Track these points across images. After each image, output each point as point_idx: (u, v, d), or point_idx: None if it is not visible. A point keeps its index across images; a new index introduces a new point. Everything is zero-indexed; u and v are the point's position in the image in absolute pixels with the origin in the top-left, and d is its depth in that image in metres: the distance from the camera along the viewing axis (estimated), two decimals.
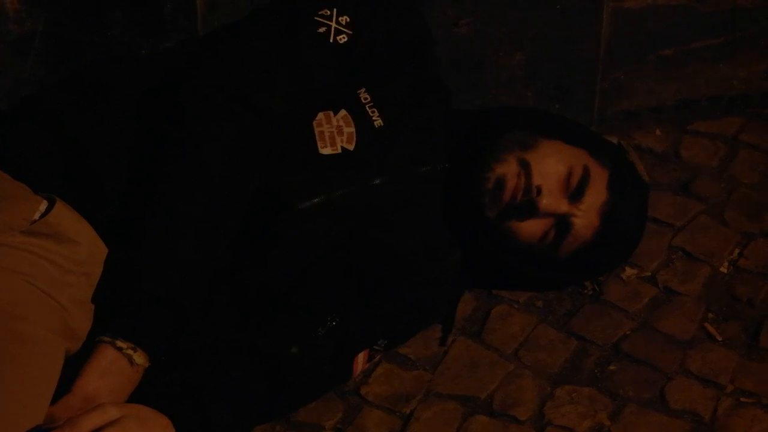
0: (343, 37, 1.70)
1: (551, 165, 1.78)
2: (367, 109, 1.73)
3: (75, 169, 1.59)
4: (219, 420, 1.56)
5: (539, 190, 1.75)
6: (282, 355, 1.66)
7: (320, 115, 1.71)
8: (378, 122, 1.73)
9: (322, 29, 1.69)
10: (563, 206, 1.78)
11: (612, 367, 1.96)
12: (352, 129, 1.72)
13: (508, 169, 1.77)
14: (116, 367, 1.48)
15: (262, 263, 1.66)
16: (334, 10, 1.70)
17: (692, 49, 2.45)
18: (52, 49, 1.90)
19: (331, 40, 1.69)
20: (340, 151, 1.70)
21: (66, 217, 1.52)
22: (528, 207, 1.76)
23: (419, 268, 1.83)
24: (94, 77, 1.75)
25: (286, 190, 1.66)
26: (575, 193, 1.78)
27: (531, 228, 1.79)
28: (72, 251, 1.51)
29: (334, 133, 1.71)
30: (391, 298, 1.81)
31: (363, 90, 1.75)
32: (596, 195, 1.80)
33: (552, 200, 1.76)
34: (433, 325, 1.98)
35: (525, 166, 1.77)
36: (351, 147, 1.71)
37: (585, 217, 1.79)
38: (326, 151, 1.70)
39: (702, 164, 2.41)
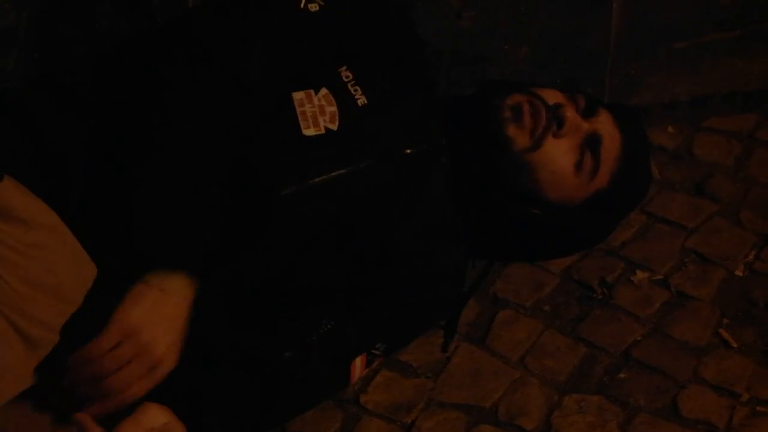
0: (315, 6, 1.68)
1: (555, 94, 1.77)
2: (350, 87, 1.71)
3: (42, 156, 1.56)
4: (210, 430, 1.53)
5: (558, 105, 1.75)
6: (275, 360, 1.62)
7: (301, 95, 1.69)
8: (361, 101, 1.71)
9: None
10: (585, 124, 1.77)
11: (622, 375, 1.93)
12: (335, 108, 1.69)
13: (519, 98, 1.75)
14: (150, 297, 1.48)
15: (251, 251, 1.64)
16: None
17: (706, 42, 2.44)
18: (37, 42, 1.88)
19: (301, 6, 1.67)
20: (323, 131, 1.67)
21: (15, 195, 1.48)
22: (557, 119, 1.74)
23: (418, 264, 1.79)
24: (69, 68, 1.71)
25: (271, 173, 1.64)
26: (587, 111, 1.78)
27: (566, 151, 1.75)
28: (21, 231, 1.46)
29: (317, 113, 1.68)
30: (388, 298, 1.77)
31: (344, 68, 1.71)
32: (605, 113, 1.80)
33: (574, 115, 1.76)
34: (435, 329, 1.95)
35: (533, 95, 1.76)
36: (334, 127, 1.68)
37: (607, 128, 1.78)
38: (309, 132, 1.67)
39: (716, 163, 2.39)
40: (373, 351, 1.79)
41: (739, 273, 2.12)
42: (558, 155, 1.74)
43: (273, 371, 1.62)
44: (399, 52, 1.76)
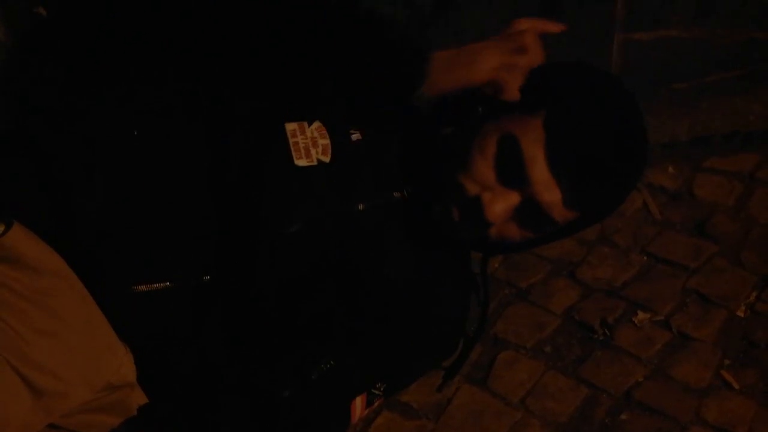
0: None
1: (478, 165, 1.65)
2: (343, 121, 1.71)
3: (48, 194, 1.55)
4: None
5: (478, 202, 1.64)
6: (274, 398, 1.60)
7: (294, 126, 1.68)
8: (356, 136, 1.70)
9: None
10: (513, 198, 1.64)
11: (624, 417, 1.92)
12: (327, 141, 1.69)
13: (446, 201, 1.69)
14: None
15: (249, 283, 1.63)
16: None
17: (706, 82, 2.44)
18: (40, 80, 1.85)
19: None
20: (315, 163, 1.67)
21: (24, 242, 1.47)
22: (480, 224, 1.66)
23: (419, 305, 1.77)
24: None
25: (266, 210, 1.63)
26: (515, 176, 1.63)
27: (507, 230, 1.69)
28: (30, 278, 1.46)
29: (309, 145, 1.68)
30: (389, 338, 1.76)
31: (338, 101, 1.71)
32: (537, 158, 1.61)
33: (497, 202, 1.64)
34: (438, 369, 1.93)
35: (456, 189, 1.67)
36: (327, 159, 1.68)
37: (545, 188, 1.62)
38: (302, 162, 1.67)
39: (717, 203, 2.38)
40: (373, 391, 1.78)
41: (740, 314, 2.11)
42: (503, 234, 1.69)
43: (272, 409, 1.61)
44: (392, 82, 1.74)
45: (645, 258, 2.24)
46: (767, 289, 2.16)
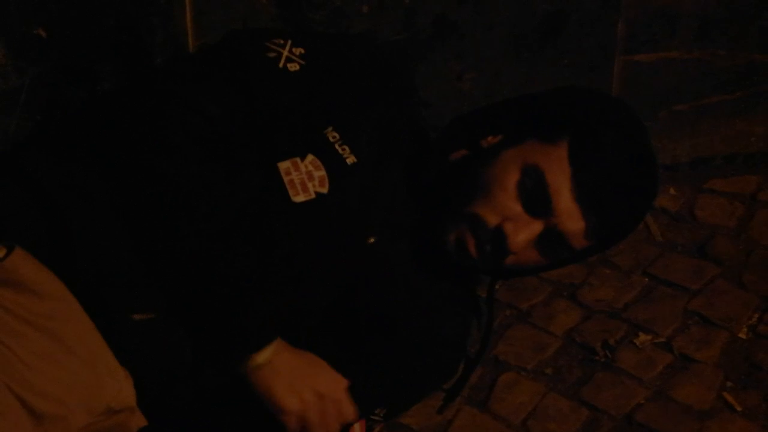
0: (295, 66, 1.65)
1: (499, 196, 1.64)
2: (337, 147, 1.67)
3: (48, 222, 1.55)
4: None
5: (500, 232, 1.64)
6: (273, 425, 1.59)
7: (287, 164, 1.65)
8: (350, 159, 1.67)
9: (271, 54, 1.66)
10: (537, 228, 1.66)
11: None
12: (323, 172, 1.66)
13: (461, 230, 1.68)
14: (275, 371, 1.56)
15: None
16: (289, 41, 1.67)
17: (707, 104, 2.44)
18: (39, 104, 1.87)
19: (280, 66, 1.65)
20: (314, 196, 1.64)
21: (25, 266, 1.47)
22: (500, 254, 1.67)
23: (419, 330, 1.77)
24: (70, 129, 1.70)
25: (271, 254, 1.61)
26: (539, 206, 1.64)
27: (525, 258, 1.70)
28: (31, 302, 1.45)
29: (305, 180, 1.65)
30: (389, 363, 1.75)
31: (330, 128, 1.68)
32: (563, 189, 1.63)
33: (521, 232, 1.64)
34: (438, 391, 1.92)
35: (472, 219, 1.66)
36: (325, 190, 1.65)
37: (569, 218, 1.64)
38: (299, 198, 1.64)
39: (719, 225, 2.38)
40: (372, 417, 1.77)
41: (742, 336, 2.10)
42: (520, 263, 1.70)
43: None
44: (384, 104, 1.74)
45: (646, 279, 2.23)
46: None
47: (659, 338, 2.09)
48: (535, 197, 1.63)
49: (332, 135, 1.67)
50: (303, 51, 1.67)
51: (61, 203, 1.55)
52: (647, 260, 2.27)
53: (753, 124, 2.49)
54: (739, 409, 1.95)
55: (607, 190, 1.64)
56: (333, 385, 1.60)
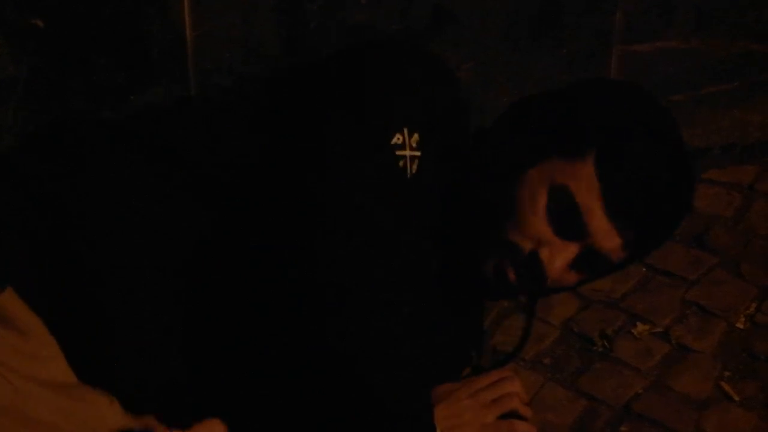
0: (415, 164, 1.51)
1: (530, 220, 1.55)
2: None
3: (37, 267, 1.49)
4: None
5: (535, 258, 1.56)
6: None
7: None
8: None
9: (401, 162, 1.50)
10: (573, 251, 1.57)
11: (623, 428, 1.90)
12: None
13: (501, 261, 1.60)
14: None
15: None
16: (405, 130, 1.50)
17: (704, 94, 2.45)
18: (36, 95, 1.87)
19: (408, 176, 1.51)
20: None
21: (14, 306, 1.46)
22: (539, 279, 1.58)
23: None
24: (76, 136, 1.60)
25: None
26: (572, 229, 1.55)
27: (564, 279, 1.61)
28: (20, 341, 1.45)
29: None
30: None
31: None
32: (595, 209, 1.53)
33: (557, 258, 1.56)
34: None
35: (507, 247, 1.58)
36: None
37: (605, 237, 1.55)
38: None
39: (716, 215, 2.38)
40: None
41: (740, 325, 2.10)
42: (560, 283, 1.62)
43: None
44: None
45: (644, 269, 2.23)
46: (767, 300, 2.16)
47: (657, 328, 2.09)
48: (567, 220, 1.53)
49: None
50: (419, 137, 1.51)
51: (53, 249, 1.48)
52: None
53: (750, 114, 2.49)
54: (736, 398, 1.95)
55: (643, 203, 1.54)
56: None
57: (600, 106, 1.58)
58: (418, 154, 1.50)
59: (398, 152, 1.49)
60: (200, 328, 1.48)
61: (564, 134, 1.54)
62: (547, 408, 1.93)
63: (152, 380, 1.49)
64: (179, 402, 1.50)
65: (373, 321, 1.40)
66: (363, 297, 1.39)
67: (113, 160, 1.53)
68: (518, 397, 1.64)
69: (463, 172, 1.63)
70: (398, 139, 1.48)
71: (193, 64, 1.94)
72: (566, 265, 1.58)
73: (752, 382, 1.98)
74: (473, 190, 1.61)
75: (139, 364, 1.48)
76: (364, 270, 1.40)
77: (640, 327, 2.09)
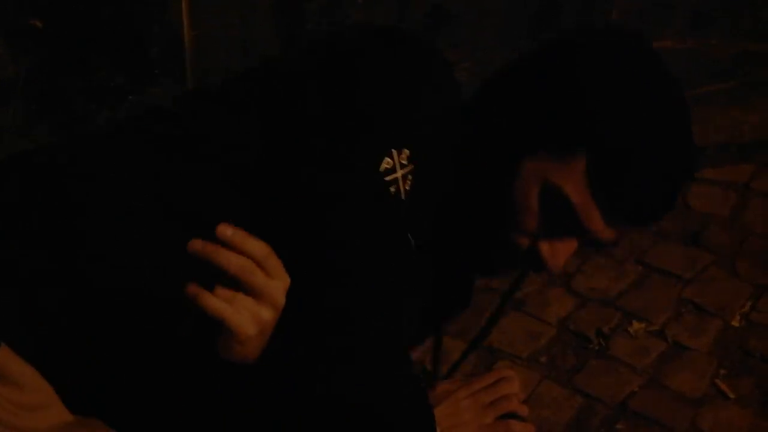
0: (408, 181, 1.43)
1: (526, 217, 1.42)
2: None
3: (29, 326, 1.46)
4: None
5: (534, 254, 1.45)
6: None
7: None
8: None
9: (392, 188, 1.42)
10: (572, 245, 1.45)
11: (619, 426, 1.91)
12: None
13: (498, 253, 1.50)
14: None
15: None
16: (393, 152, 1.41)
17: (700, 93, 2.45)
18: (36, 95, 1.87)
19: (403, 197, 1.43)
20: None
21: (9, 361, 1.46)
22: (542, 269, 1.47)
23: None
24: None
25: None
26: (569, 227, 1.43)
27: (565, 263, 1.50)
28: (16, 394, 1.45)
29: None
30: None
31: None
32: (591, 210, 1.39)
33: (557, 254, 1.45)
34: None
35: (507, 244, 1.47)
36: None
37: (604, 232, 1.41)
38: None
39: (712, 213, 2.39)
40: None
41: (735, 323, 2.11)
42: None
43: None
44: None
45: (640, 268, 2.24)
46: (762, 298, 2.17)
47: (653, 326, 2.10)
48: (563, 219, 1.42)
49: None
50: (409, 152, 1.43)
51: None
52: (641, 249, 2.28)
53: (747, 113, 2.50)
54: (732, 396, 1.96)
55: (641, 203, 1.40)
56: None
57: (589, 89, 1.37)
58: (410, 167, 1.42)
59: (388, 177, 1.41)
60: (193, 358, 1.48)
61: (550, 129, 1.38)
62: (543, 406, 1.94)
63: (148, 410, 1.49)
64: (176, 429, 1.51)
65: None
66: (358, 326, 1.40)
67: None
68: (517, 398, 1.64)
69: (458, 169, 1.51)
70: (387, 163, 1.40)
71: (191, 64, 1.95)
72: (568, 258, 1.47)
73: (747, 380, 1.99)
74: (468, 188, 1.51)
75: (135, 397, 1.49)
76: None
77: (636, 325, 2.10)
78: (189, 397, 1.48)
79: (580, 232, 1.43)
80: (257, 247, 1.24)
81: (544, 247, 1.45)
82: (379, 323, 1.44)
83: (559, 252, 1.45)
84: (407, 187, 1.43)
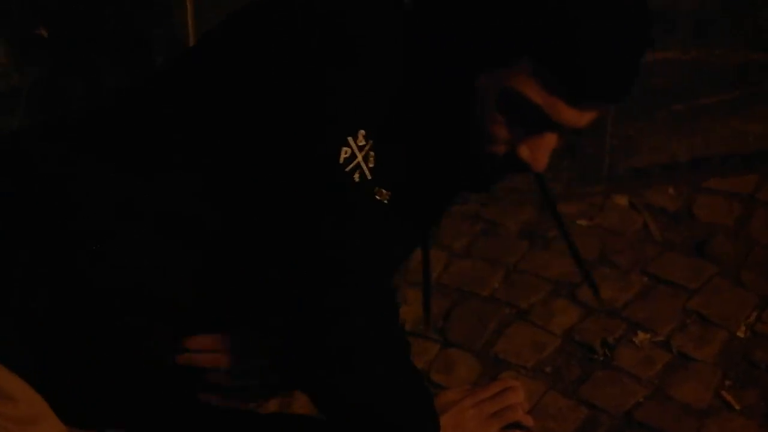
0: (371, 158, 1.41)
1: (496, 130, 1.39)
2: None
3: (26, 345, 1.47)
4: None
5: (513, 159, 1.41)
6: None
7: None
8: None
9: (356, 175, 1.40)
10: (552, 139, 1.40)
11: None
12: None
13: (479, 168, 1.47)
14: None
15: None
16: (349, 139, 1.39)
17: (704, 104, 2.44)
18: (40, 103, 1.87)
19: (369, 177, 1.41)
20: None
21: (2, 373, 1.46)
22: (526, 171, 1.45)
23: None
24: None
25: None
26: (540, 124, 1.38)
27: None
28: (9, 408, 1.45)
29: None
30: None
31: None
32: (555, 102, 1.35)
33: (539, 153, 1.41)
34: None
35: (484, 159, 1.44)
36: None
37: (579, 119, 1.37)
38: None
39: (717, 224, 2.38)
40: None
41: (740, 334, 2.10)
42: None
43: None
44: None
45: (645, 278, 2.24)
46: (767, 309, 2.16)
47: (658, 337, 2.10)
48: (532, 119, 1.37)
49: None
50: (365, 131, 1.40)
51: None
52: (646, 259, 2.28)
53: (750, 123, 2.49)
54: (737, 407, 1.95)
55: (600, 77, 1.35)
56: None
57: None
58: (369, 144, 1.40)
59: (349, 167, 1.38)
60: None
61: (492, 38, 1.35)
62: (548, 416, 1.94)
63: (141, 416, 1.50)
64: None
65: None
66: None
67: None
68: (522, 408, 1.64)
69: (416, 103, 1.46)
70: (346, 153, 1.38)
71: None
72: (551, 152, 1.42)
73: (753, 391, 1.98)
74: (431, 119, 1.46)
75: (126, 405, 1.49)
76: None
77: (641, 336, 2.10)
78: (189, 397, 1.49)
79: (553, 126, 1.38)
80: None
81: (523, 151, 1.40)
82: (380, 323, 1.45)
83: (539, 151, 1.40)
84: (371, 165, 1.40)
